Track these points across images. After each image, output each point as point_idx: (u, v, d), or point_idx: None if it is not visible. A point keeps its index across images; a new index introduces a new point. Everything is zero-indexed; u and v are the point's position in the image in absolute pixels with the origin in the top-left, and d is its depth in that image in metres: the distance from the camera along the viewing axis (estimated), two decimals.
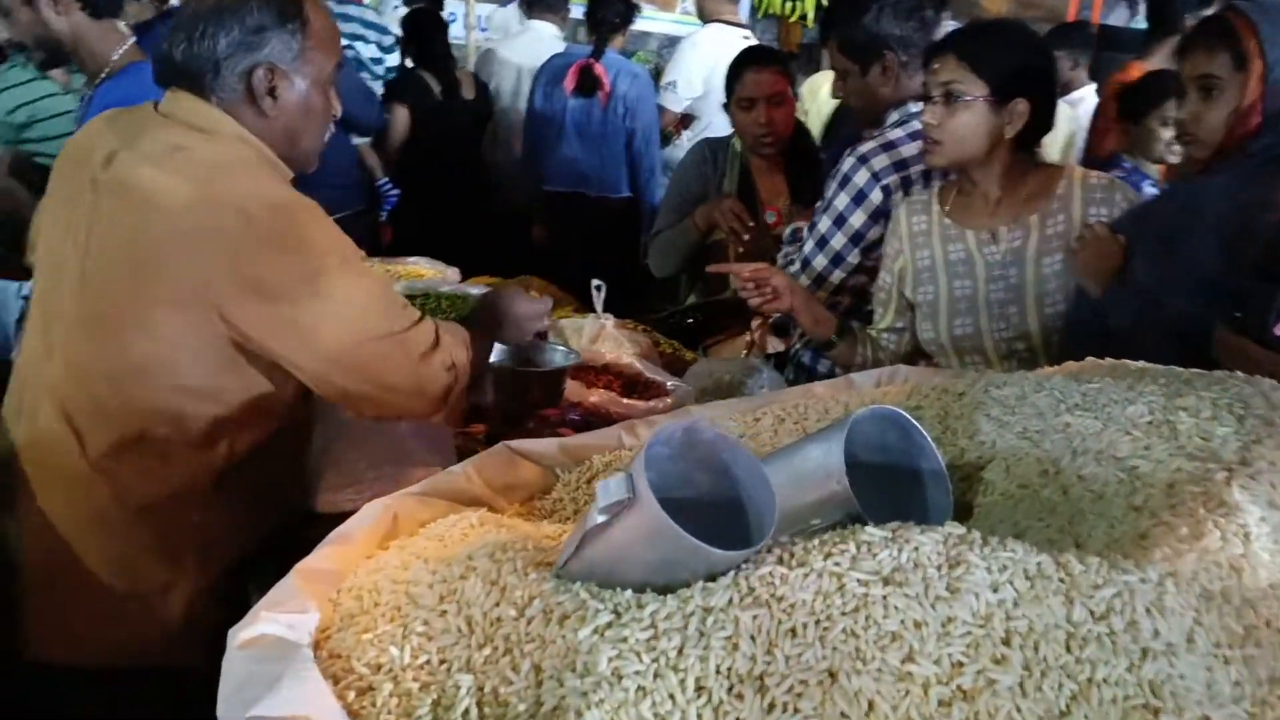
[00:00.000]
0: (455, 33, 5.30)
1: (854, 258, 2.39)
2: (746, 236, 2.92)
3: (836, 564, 0.91)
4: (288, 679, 0.87)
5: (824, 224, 2.39)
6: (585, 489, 1.51)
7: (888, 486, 1.24)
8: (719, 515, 1.00)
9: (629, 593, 0.92)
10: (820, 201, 2.43)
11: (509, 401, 2.11)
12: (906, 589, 0.89)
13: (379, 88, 4.49)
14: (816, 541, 0.95)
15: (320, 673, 0.93)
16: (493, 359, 2.20)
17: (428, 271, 2.89)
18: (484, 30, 5.89)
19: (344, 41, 4.36)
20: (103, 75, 2.41)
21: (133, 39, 2.47)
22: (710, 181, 3.22)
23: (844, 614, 0.87)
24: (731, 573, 0.92)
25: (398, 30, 4.67)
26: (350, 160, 4.06)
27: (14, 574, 1.63)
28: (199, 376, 1.55)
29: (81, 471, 1.57)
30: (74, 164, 1.64)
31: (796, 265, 2.46)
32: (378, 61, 4.57)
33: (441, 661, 0.91)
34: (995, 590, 0.90)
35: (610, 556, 0.94)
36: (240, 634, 0.93)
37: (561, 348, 2.25)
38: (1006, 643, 0.86)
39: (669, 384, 2.41)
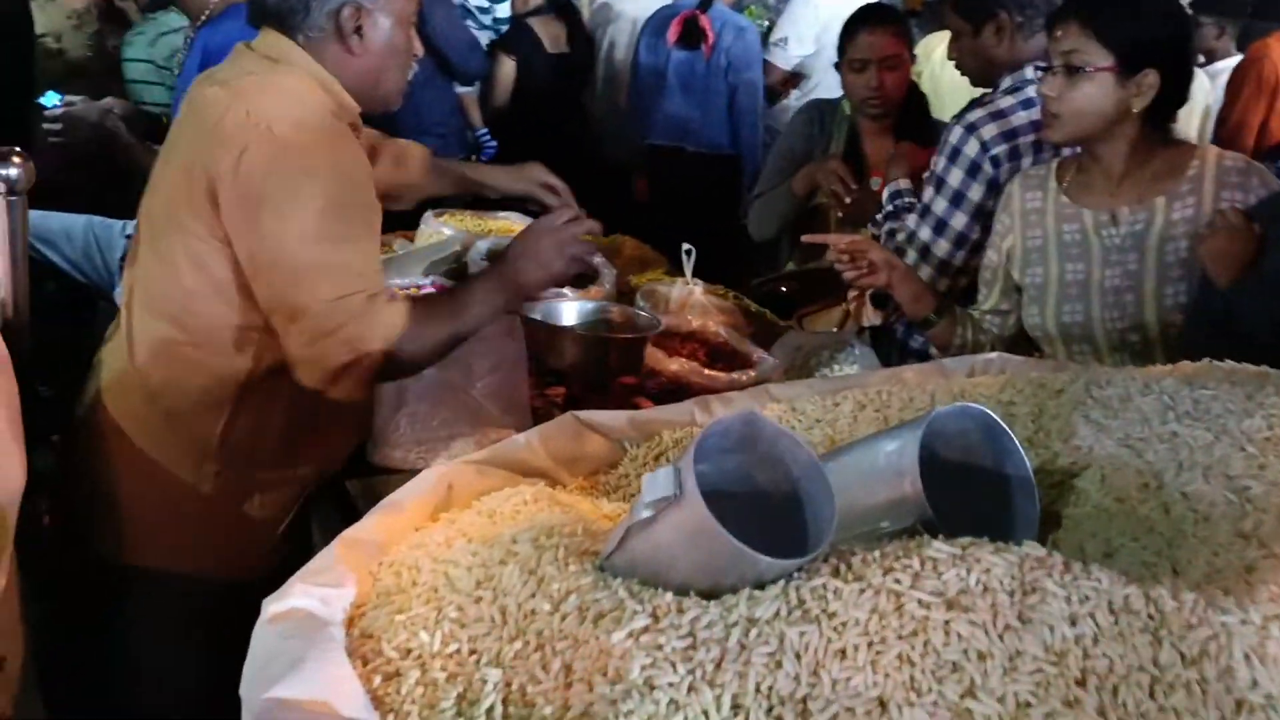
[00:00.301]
0: None
1: (977, 234, 2.26)
2: (849, 200, 2.80)
3: (897, 581, 0.84)
4: (312, 659, 0.83)
5: (940, 205, 2.25)
6: (653, 465, 1.46)
7: (970, 491, 1.15)
8: (776, 517, 0.93)
9: (670, 595, 0.86)
10: (927, 176, 2.30)
11: (586, 367, 2.06)
12: (972, 615, 0.81)
13: (486, 37, 4.46)
14: (877, 554, 0.87)
15: (349, 652, 0.90)
16: (572, 323, 2.17)
17: (518, 226, 2.85)
18: None
19: None
20: (203, 18, 2.41)
21: None
22: (816, 144, 3.10)
23: (900, 638, 0.80)
24: (782, 582, 0.85)
25: None
26: (452, 108, 4.04)
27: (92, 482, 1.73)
28: (222, 279, 1.59)
29: (128, 373, 1.66)
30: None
31: (913, 254, 2.32)
32: (485, 10, 4.53)
33: (472, 652, 0.87)
34: (1073, 623, 0.81)
35: (653, 555, 0.89)
36: (271, 607, 0.90)
37: (644, 314, 2.19)
38: (1081, 684, 0.78)
39: (755, 356, 2.34)
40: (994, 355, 1.70)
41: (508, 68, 4.32)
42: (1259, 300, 1.66)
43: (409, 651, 0.89)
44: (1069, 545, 1.09)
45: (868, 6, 3.19)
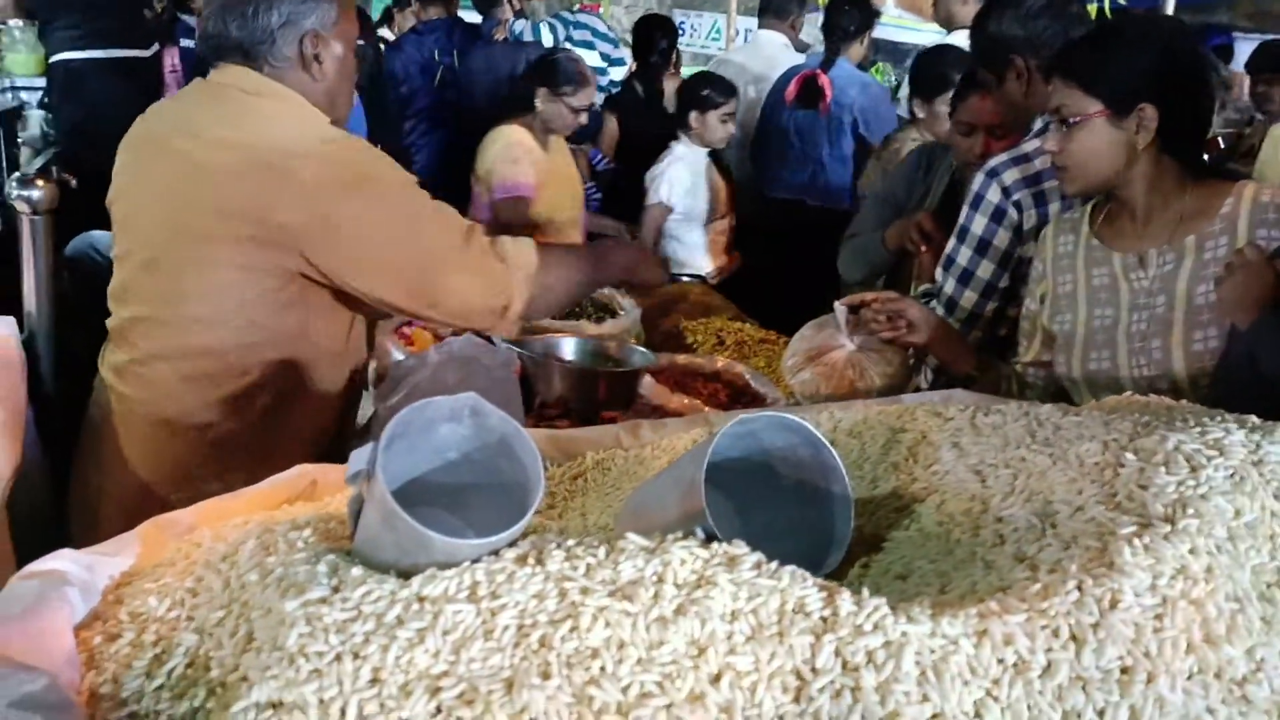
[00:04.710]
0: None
1: (1006, 282, 2.14)
2: (925, 249, 2.68)
3: (573, 568, 0.82)
4: (31, 610, 0.88)
5: (964, 254, 2.14)
6: (569, 485, 1.47)
7: (798, 506, 1.11)
8: (512, 507, 0.93)
9: (361, 570, 0.86)
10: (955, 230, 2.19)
11: (576, 399, 2.08)
12: (630, 604, 0.78)
13: (599, 98, 4.60)
14: (572, 543, 0.85)
15: (97, 614, 0.95)
16: (569, 357, 2.20)
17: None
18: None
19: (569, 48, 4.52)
20: None
21: None
22: (917, 189, 3.01)
23: (550, 621, 0.78)
24: (468, 563, 0.84)
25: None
26: None
27: None
28: (235, 307, 1.70)
29: (125, 395, 1.78)
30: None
31: (940, 308, 2.21)
32: (601, 72, 4.67)
33: (188, 618, 0.90)
34: (731, 619, 0.77)
35: (364, 534, 0.90)
36: (32, 565, 0.96)
37: (642, 350, 2.19)
38: (715, 680, 0.74)
39: (770, 397, 2.30)
40: (955, 390, 1.62)
41: (611, 125, 4.44)
42: (1275, 343, 1.50)
43: (138, 615, 0.93)
44: (877, 566, 1.03)
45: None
